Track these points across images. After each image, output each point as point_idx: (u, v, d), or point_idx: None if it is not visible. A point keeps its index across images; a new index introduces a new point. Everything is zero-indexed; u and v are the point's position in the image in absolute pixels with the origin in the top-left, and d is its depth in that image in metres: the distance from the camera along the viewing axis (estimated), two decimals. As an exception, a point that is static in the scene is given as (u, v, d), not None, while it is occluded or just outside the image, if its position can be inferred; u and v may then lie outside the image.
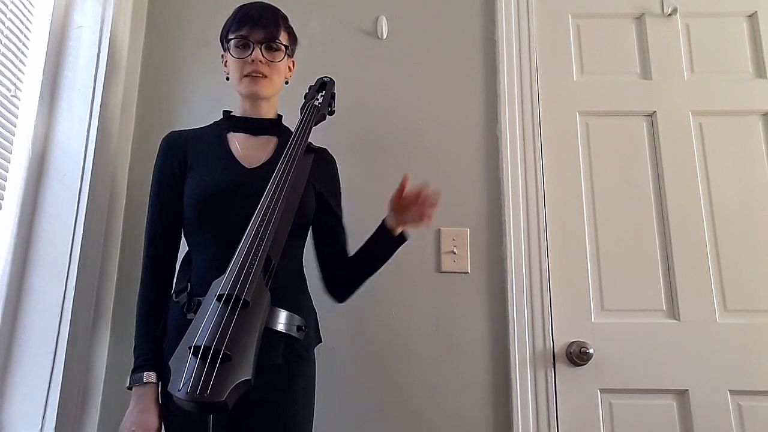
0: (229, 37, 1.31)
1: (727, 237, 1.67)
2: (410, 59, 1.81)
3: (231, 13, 1.34)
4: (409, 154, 1.71)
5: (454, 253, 1.66)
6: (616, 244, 1.68)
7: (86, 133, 1.50)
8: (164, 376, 1.18)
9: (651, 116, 1.77)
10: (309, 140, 1.32)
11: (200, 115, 1.55)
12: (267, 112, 1.36)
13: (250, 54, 1.28)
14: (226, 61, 1.34)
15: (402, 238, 1.31)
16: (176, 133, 1.35)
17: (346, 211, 1.43)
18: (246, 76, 1.29)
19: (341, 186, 1.44)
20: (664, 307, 1.64)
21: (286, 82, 1.38)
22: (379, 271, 1.36)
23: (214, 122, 1.38)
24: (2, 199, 1.35)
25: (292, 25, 1.39)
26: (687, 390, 1.57)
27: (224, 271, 1.07)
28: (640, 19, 1.85)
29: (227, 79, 1.35)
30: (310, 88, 1.48)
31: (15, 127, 1.41)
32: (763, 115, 1.76)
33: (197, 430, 1.08)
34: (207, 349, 0.95)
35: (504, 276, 1.64)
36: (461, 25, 1.84)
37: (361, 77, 1.79)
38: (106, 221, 1.56)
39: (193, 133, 1.35)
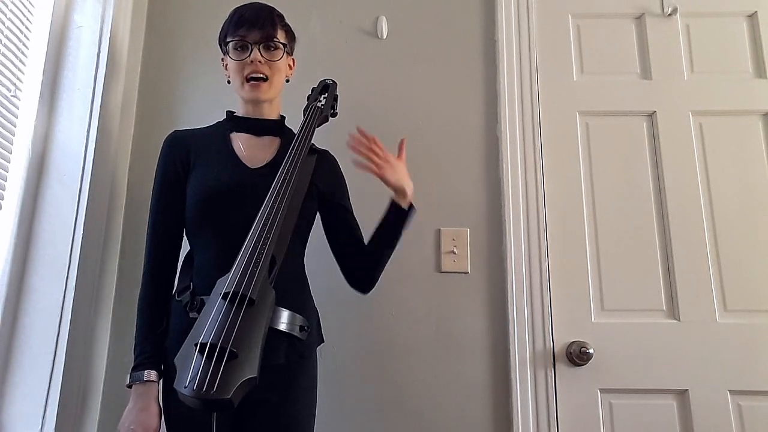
0: (227, 40, 1.32)
1: (727, 237, 1.67)
2: (410, 59, 1.81)
3: (228, 15, 1.34)
4: (409, 154, 1.69)
5: (454, 253, 1.66)
6: (616, 244, 1.68)
7: (86, 133, 1.50)
8: (165, 375, 1.19)
9: (651, 116, 1.77)
10: (312, 142, 1.32)
11: (200, 115, 1.55)
12: (270, 112, 1.36)
13: (249, 55, 1.28)
14: (226, 65, 1.34)
15: (409, 211, 1.31)
16: (179, 132, 1.36)
17: (347, 211, 1.43)
18: (247, 81, 1.29)
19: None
20: (664, 307, 1.64)
21: (287, 80, 1.39)
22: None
23: (217, 122, 1.38)
24: (2, 199, 1.35)
25: (292, 25, 1.39)
26: (687, 390, 1.57)
27: (227, 271, 1.08)
28: (640, 19, 1.85)
29: (228, 82, 1.35)
30: (312, 90, 1.48)
31: (15, 127, 1.41)
32: (763, 115, 1.76)
33: (200, 429, 1.08)
34: (213, 346, 0.95)
35: (504, 276, 1.64)
36: (461, 25, 1.84)
37: (361, 77, 1.79)
38: (106, 221, 1.56)
39: (196, 132, 1.35)
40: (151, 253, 1.26)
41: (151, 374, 1.16)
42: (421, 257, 1.65)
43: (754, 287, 1.64)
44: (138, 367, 1.17)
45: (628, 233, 1.69)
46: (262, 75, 1.29)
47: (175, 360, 0.99)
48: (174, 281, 1.27)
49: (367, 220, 1.39)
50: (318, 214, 1.37)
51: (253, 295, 1.03)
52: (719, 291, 1.64)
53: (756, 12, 1.82)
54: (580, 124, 1.77)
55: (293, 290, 1.24)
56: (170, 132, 1.36)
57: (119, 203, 1.66)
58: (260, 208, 1.16)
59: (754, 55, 1.81)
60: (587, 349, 1.57)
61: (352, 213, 1.41)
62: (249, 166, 1.28)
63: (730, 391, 1.56)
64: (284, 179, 1.19)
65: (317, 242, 1.38)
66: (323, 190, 1.35)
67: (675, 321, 1.62)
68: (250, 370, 0.96)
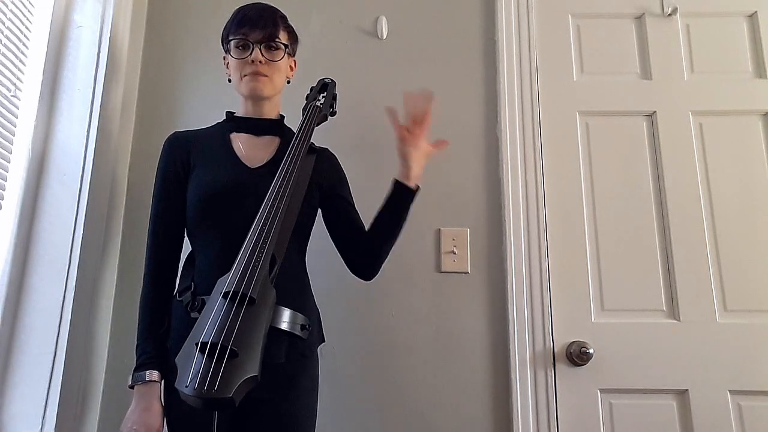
0: (229, 38, 1.32)
1: (727, 237, 1.67)
2: (410, 59, 1.81)
3: (231, 13, 1.34)
4: (409, 154, 1.71)
5: (454, 253, 1.66)
6: (616, 244, 1.68)
7: (86, 133, 1.50)
8: (167, 375, 1.18)
9: (651, 116, 1.77)
10: (311, 140, 1.32)
11: (200, 115, 1.56)
12: (269, 112, 1.36)
13: (250, 54, 1.29)
14: (228, 63, 1.35)
15: (414, 191, 1.31)
16: (179, 133, 1.36)
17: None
18: (246, 75, 1.29)
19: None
20: (664, 307, 1.64)
21: (288, 81, 1.39)
22: (385, 262, 1.36)
23: (217, 123, 1.39)
24: (2, 199, 1.35)
25: (292, 25, 1.39)
26: (687, 390, 1.57)
27: (228, 270, 1.08)
28: (640, 19, 1.85)
29: (229, 81, 1.35)
30: (311, 89, 1.48)
31: (15, 127, 1.41)
32: (763, 115, 1.76)
33: (201, 428, 1.08)
34: (214, 345, 0.95)
35: (504, 276, 1.64)
36: (461, 25, 1.84)
37: (361, 77, 1.79)
38: (106, 221, 1.56)
39: (196, 133, 1.36)
40: (152, 254, 1.26)
41: (153, 374, 1.16)
42: (421, 257, 1.65)
43: (754, 287, 1.64)
44: (140, 367, 1.17)
45: (628, 233, 1.69)
46: (262, 74, 1.29)
47: (176, 359, 0.99)
48: (175, 281, 1.27)
49: (368, 219, 1.40)
50: (319, 210, 1.37)
51: (253, 294, 1.03)
52: (719, 291, 1.64)
53: (756, 12, 1.82)
54: (580, 124, 1.77)
55: (294, 289, 1.24)
56: (170, 132, 1.36)
57: (119, 203, 1.66)
58: (260, 208, 1.16)
59: (754, 55, 1.81)
60: (587, 349, 1.57)
61: (354, 205, 1.40)
62: (249, 165, 1.28)
63: (730, 391, 1.57)
64: (283, 178, 1.19)
65: (318, 242, 1.38)
66: (324, 186, 1.35)
67: (675, 321, 1.62)
68: (251, 368, 0.96)
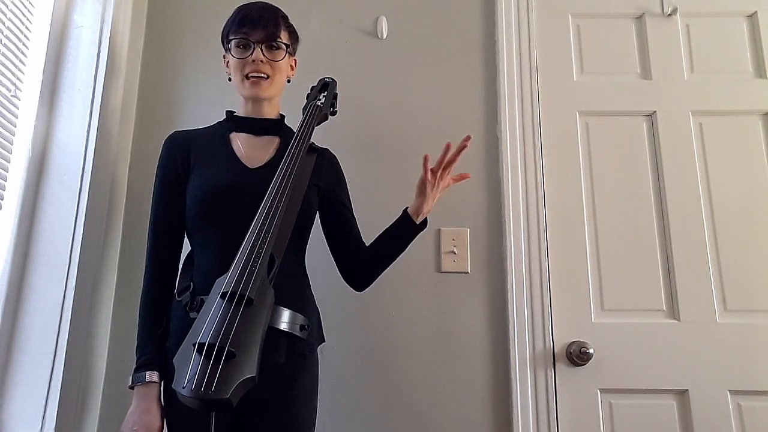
0: (230, 37, 1.32)
1: (727, 237, 1.67)
2: (410, 59, 1.81)
3: (231, 13, 1.34)
4: (409, 154, 1.71)
5: (454, 253, 1.66)
6: (616, 244, 1.68)
7: (86, 133, 1.49)
8: (166, 376, 1.18)
9: (651, 116, 1.77)
10: (311, 140, 1.32)
11: (200, 115, 1.56)
12: (269, 112, 1.36)
13: (251, 54, 1.28)
14: (228, 62, 1.34)
15: (423, 225, 1.32)
16: (179, 133, 1.36)
17: (347, 211, 1.43)
18: (248, 78, 1.29)
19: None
20: (664, 307, 1.64)
21: (288, 81, 1.39)
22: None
23: (217, 122, 1.38)
24: (2, 199, 1.35)
25: (292, 24, 1.39)
26: (687, 390, 1.57)
27: (227, 270, 1.08)
28: (640, 19, 1.85)
29: (229, 80, 1.35)
30: (312, 89, 1.48)
31: (15, 127, 1.41)
32: (763, 115, 1.76)
33: (199, 429, 1.08)
34: (211, 346, 0.95)
35: (504, 276, 1.64)
36: (461, 25, 1.84)
37: (361, 77, 1.79)
38: (106, 221, 1.56)
39: (196, 133, 1.35)
40: (152, 254, 1.26)
41: (153, 375, 1.16)
42: (421, 257, 1.65)
43: (754, 287, 1.64)
44: (140, 368, 1.17)
45: (628, 233, 1.69)
46: (263, 74, 1.29)
47: (174, 360, 0.98)
48: (175, 282, 1.26)
49: (368, 219, 1.40)
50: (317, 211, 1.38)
51: (251, 295, 1.03)
52: (719, 291, 1.64)
53: (756, 12, 1.82)
54: (580, 124, 1.77)
55: (294, 289, 1.24)
56: (170, 132, 1.36)
57: (119, 203, 1.66)
58: (259, 208, 1.16)
59: (754, 55, 1.81)
60: (587, 349, 1.57)
61: (351, 210, 1.41)
62: (248, 165, 1.28)
63: (730, 391, 1.57)
64: (283, 178, 1.19)
65: (318, 242, 1.38)
66: (323, 187, 1.36)
67: (675, 321, 1.62)
68: (249, 369, 0.95)
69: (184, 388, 0.92)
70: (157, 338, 1.21)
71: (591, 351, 1.57)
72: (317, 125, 1.37)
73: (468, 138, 1.29)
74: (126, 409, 1.16)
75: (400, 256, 1.35)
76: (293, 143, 1.27)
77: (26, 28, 1.44)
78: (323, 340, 1.33)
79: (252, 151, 1.31)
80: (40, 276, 1.39)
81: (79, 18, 1.58)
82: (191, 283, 1.21)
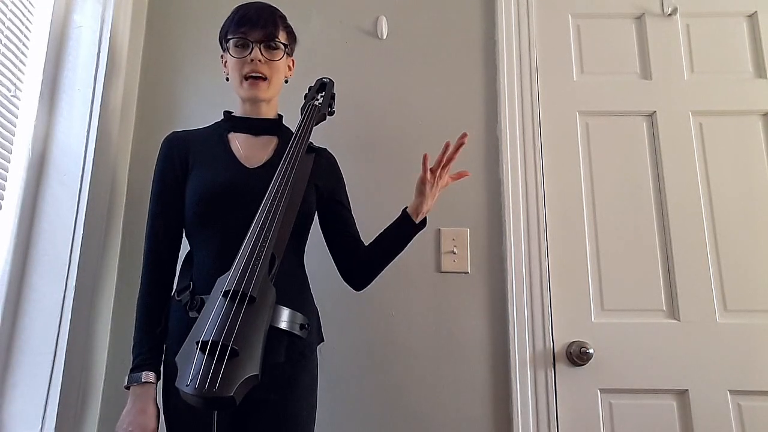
0: (228, 37, 1.32)
1: (727, 237, 1.67)
2: (410, 59, 1.81)
3: (230, 13, 1.34)
4: (409, 154, 1.71)
5: (454, 253, 1.66)
6: (616, 244, 1.68)
7: (86, 133, 1.50)
8: (163, 376, 1.18)
9: (651, 116, 1.77)
10: (310, 140, 1.32)
11: (200, 115, 1.55)
12: (267, 112, 1.36)
13: (249, 53, 1.29)
14: (226, 62, 1.35)
15: (422, 225, 1.32)
16: (177, 133, 1.36)
17: (346, 211, 1.43)
18: (246, 78, 1.29)
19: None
20: (664, 307, 1.64)
21: (286, 81, 1.39)
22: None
23: (215, 123, 1.38)
24: (2, 199, 1.35)
25: (292, 24, 1.40)
26: (687, 390, 1.57)
27: (227, 270, 1.08)
28: (640, 19, 1.85)
29: (227, 79, 1.35)
30: (309, 89, 1.49)
31: (15, 127, 1.41)
32: (763, 115, 1.76)
33: (201, 428, 1.08)
34: (215, 344, 0.95)
35: (504, 276, 1.64)
36: (461, 25, 1.84)
37: (361, 77, 1.79)
38: (106, 221, 1.56)
39: (194, 133, 1.36)
40: (150, 255, 1.26)
41: (149, 376, 1.16)
42: (421, 257, 1.65)
43: (754, 287, 1.64)
44: (136, 368, 1.17)
45: (628, 233, 1.69)
46: (261, 74, 1.30)
47: (176, 358, 0.98)
48: (173, 282, 1.27)
49: (367, 219, 1.40)
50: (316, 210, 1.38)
51: (253, 293, 1.03)
52: (719, 291, 1.64)
53: (756, 12, 1.82)
54: (580, 124, 1.77)
55: (293, 288, 1.25)
56: (170, 132, 1.36)
57: (119, 203, 1.66)
58: (259, 208, 1.16)
59: (754, 55, 1.81)
60: (587, 349, 1.57)
61: (350, 210, 1.41)
62: (247, 165, 1.28)
63: (730, 391, 1.56)
64: (283, 177, 1.19)
65: (318, 242, 1.38)
66: (321, 187, 1.36)
67: (675, 321, 1.62)
68: (252, 367, 0.95)
69: (187, 386, 0.92)
70: (154, 338, 1.20)
71: (591, 351, 1.57)
72: (315, 125, 1.37)
73: (464, 135, 1.29)
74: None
75: (400, 255, 1.36)
76: (292, 143, 1.27)
77: (26, 28, 1.44)
78: (322, 340, 1.33)
79: (250, 151, 1.31)
80: (40, 276, 1.39)
81: (79, 18, 1.58)
82: (191, 282, 1.21)
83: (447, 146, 1.29)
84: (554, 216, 1.70)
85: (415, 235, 1.33)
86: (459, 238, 1.67)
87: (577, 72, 1.82)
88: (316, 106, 1.39)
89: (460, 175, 1.35)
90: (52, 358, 1.35)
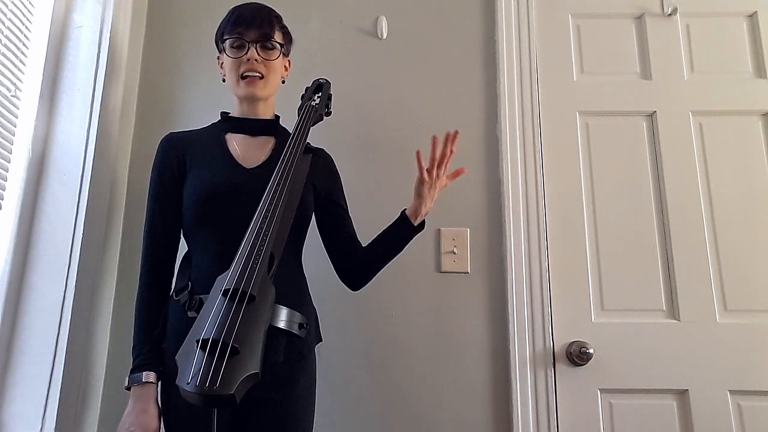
0: (225, 37, 1.33)
1: (727, 237, 1.67)
2: (410, 59, 1.81)
3: (226, 14, 1.34)
4: (409, 154, 1.70)
5: (454, 253, 1.66)
6: (616, 244, 1.68)
7: (86, 133, 1.50)
8: (163, 376, 1.18)
9: (651, 116, 1.77)
10: (307, 140, 1.32)
11: (200, 116, 1.56)
12: (264, 112, 1.36)
13: (246, 53, 1.29)
14: (222, 63, 1.35)
15: (421, 227, 1.32)
16: (175, 134, 1.36)
17: (345, 211, 1.43)
18: (243, 78, 1.30)
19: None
20: (664, 307, 1.64)
21: (283, 81, 1.39)
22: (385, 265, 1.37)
23: (212, 123, 1.39)
24: (2, 199, 1.35)
25: (291, 24, 1.40)
26: (687, 390, 1.57)
27: (226, 270, 1.08)
28: (640, 19, 1.85)
29: (223, 80, 1.35)
30: (306, 90, 1.49)
31: (15, 127, 1.41)
32: (763, 115, 1.76)
33: (200, 428, 1.08)
34: (215, 342, 0.95)
35: (504, 276, 1.64)
36: (461, 25, 1.84)
37: (360, 77, 1.79)
38: (106, 221, 1.56)
39: (192, 134, 1.36)
40: (148, 255, 1.26)
41: (149, 376, 1.16)
42: (421, 257, 1.65)
43: (754, 287, 1.64)
44: (136, 369, 1.17)
45: (628, 233, 1.69)
46: (257, 74, 1.30)
47: (177, 357, 0.98)
48: (171, 282, 1.27)
49: (366, 219, 1.40)
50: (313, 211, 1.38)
51: (253, 292, 1.03)
52: (719, 291, 1.64)
53: (756, 12, 1.82)
54: (580, 124, 1.77)
55: (291, 288, 1.25)
56: (167, 133, 1.36)
57: (119, 203, 1.66)
58: (257, 208, 1.16)
59: (754, 55, 1.81)
60: (587, 349, 1.57)
61: (347, 210, 1.42)
62: (245, 166, 1.29)
63: (730, 391, 1.56)
64: (280, 177, 1.20)
65: (317, 242, 1.39)
66: (319, 188, 1.36)
67: (675, 321, 1.62)
68: (252, 365, 0.96)
69: (188, 384, 0.92)
70: (153, 339, 1.21)
71: (591, 351, 1.57)
72: (312, 126, 1.37)
73: (456, 133, 1.29)
74: (125, 410, 1.16)
75: (399, 255, 1.36)
76: (290, 143, 1.27)
77: (26, 28, 1.45)
78: (320, 340, 1.33)
79: (248, 152, 1.31)
80: (40, 276, 1.39)
81: (79, 18, 1.58)
82: (189, 282, 1.21)
83: (435, 141, 1.29)
84: (554, 216, 1.70)
85: (413, 237, 1.33)
86: (459, 238, 1.67)
87: (577, 72, 1.82)
88: (313, 106, 1.40)
89: (457, 173, 1.34)
90: (52, 358, 1.35)
